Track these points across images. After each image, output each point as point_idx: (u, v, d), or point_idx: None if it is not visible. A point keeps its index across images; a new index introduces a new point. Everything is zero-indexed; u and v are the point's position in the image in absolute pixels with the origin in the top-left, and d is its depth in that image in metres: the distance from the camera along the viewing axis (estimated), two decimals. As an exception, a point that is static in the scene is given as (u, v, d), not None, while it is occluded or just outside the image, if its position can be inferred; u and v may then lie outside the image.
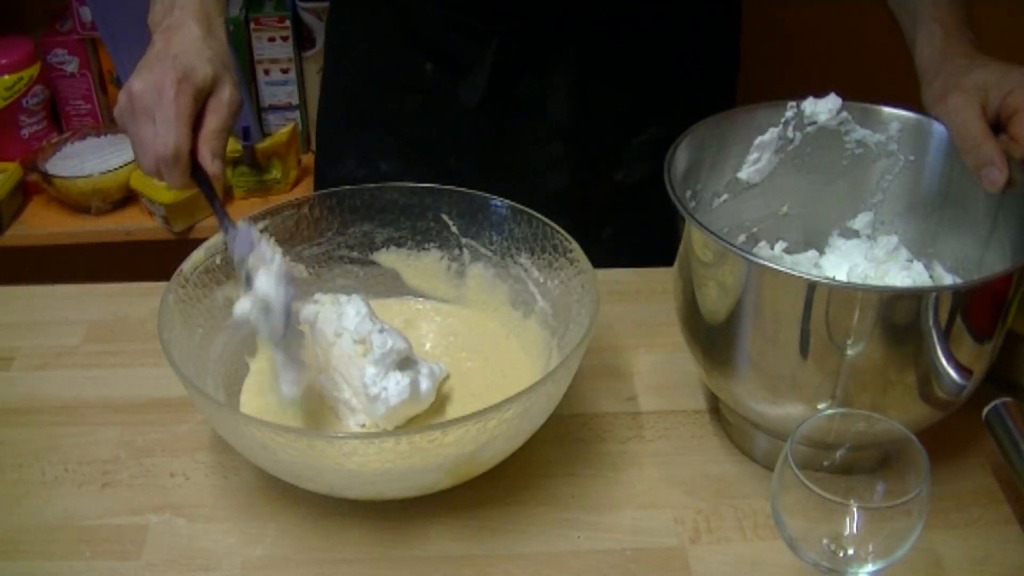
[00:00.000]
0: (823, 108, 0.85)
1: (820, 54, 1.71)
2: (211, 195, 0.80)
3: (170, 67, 0.77)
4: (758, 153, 0.86)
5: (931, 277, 0.85)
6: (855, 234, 0.89)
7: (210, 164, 0.78)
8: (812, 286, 0.69)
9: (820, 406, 0.73)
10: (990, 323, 0.73)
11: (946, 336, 0.70)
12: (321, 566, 0.75)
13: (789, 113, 0.85)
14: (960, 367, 0.72)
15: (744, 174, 0.86)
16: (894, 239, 0.86)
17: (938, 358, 0.71)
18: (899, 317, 0.69)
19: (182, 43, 0.79)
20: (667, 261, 0.82)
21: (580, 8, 0.98)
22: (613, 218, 1.10)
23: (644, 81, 1.04)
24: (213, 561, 0.75)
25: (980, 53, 0.83)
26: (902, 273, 0.85)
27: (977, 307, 0.71)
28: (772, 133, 0.85)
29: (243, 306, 0.78)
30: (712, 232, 0.72)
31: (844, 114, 0.85)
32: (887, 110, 0.85)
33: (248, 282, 0.79)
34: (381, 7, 1.06)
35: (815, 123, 0.85)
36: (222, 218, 0.81)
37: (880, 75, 1.21)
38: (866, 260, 0.86)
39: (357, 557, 0.76)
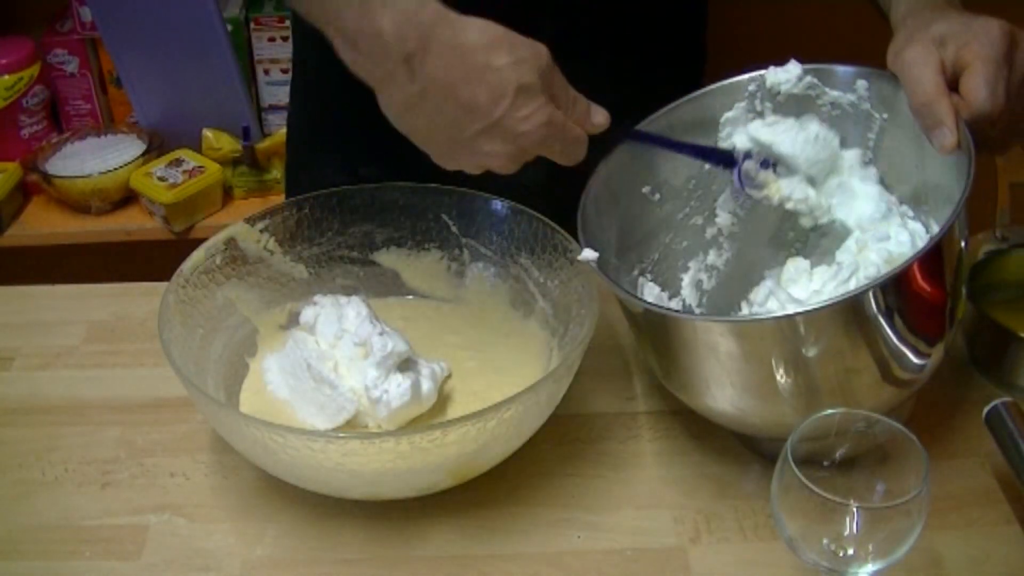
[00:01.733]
0: (784, 76, 0.83)
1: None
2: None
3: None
4: (730, 128, 0.85)
5: (927, 232, 0.82)
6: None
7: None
8: (736, 326, 0.71)
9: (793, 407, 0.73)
10: (930, 293, 0.71)
11: (891, 324, 0.70)
12: (321, 566, 0.75)
13: (752, 87, 0.84)
14: (915, 349, 0.72)
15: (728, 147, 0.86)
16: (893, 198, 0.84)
17: (889, 345, 0.71)
18: (833, 327, 0.69)
19: None
20: None
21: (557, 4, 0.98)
22: None
23: (622, 75, 1.03)
24: (213, 561, 0.75)
25: (956, 7, 0.78)
26: (900, 231, 0.81)
27: (908, 287, 0.70)
28: (738, 108, 0.85)
29: None
30: (622, 287, 0.74)
31: (810, 79, 0.83)
32: (849, 69, 0.82)
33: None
34: None
35: (779, 92, 0.84)
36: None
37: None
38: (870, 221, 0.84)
39: (357, 557, 0.76)
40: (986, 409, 0.77)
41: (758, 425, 0.77)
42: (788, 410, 0.73)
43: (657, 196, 0.86)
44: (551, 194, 1.01)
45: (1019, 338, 0.83)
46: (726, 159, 0.84)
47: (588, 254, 0.76)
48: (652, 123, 0.83)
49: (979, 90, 0.72)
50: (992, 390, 0.79)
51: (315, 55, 1.10)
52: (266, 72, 1.81)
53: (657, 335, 0.77)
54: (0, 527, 0.78)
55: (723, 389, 0.74)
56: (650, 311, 0.75)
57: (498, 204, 0.90)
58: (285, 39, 1.77)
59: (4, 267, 1.48)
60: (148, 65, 1.73)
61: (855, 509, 0.63)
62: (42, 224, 1.75)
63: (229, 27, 1.70)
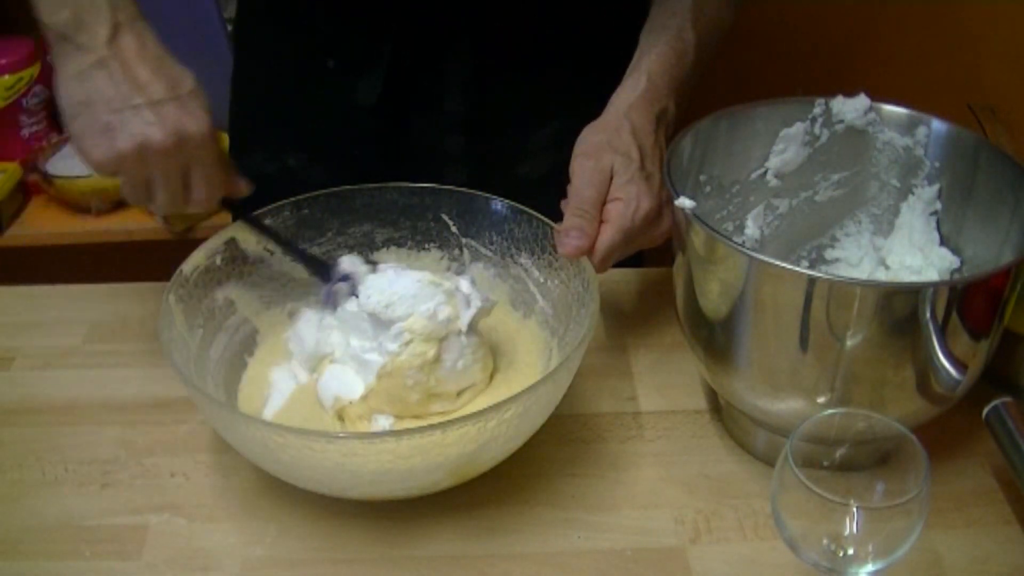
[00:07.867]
0: (850, 106, 0.85)
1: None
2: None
3: None
4: (784, 144, 0.87)
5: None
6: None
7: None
8: (812, 281, 0.69)
9: (820, 400, 0.73)
10: (987, 319, 0.73)
11: (943, 331, 0.70)
12: (321, 566, 0.75)
13: (817, 110, 0.86)
14: (956, 362, 0.72)
15: (772, 164, 0.87)
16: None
17: (935, 353, 0.71)
18: (896, 312, 0.69)
19: None
20: None
21: (473, 6, 0.98)
22: None
23: (543, 75, 1.03)
24: (213, 561, 0.75)
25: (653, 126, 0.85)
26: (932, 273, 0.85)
27: (974, 303, 0.71)
28: (798, 127, 0.86)
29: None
30: (714, 229, 0.72)
31: (872, 115, 0.85)
32: (911, 113, 0.85)
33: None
34: (287, 4, 1.06)
35: (842, 121, 0.86)
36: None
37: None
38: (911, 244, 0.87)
39: (357, 557, 0.76)
40: (986, 409, 0.77)
41: (775, 412, 0.77)
42: (809, 398, 0.74)
43: (708, 188, 0.87)
44: (551, 192, 1.01)
45: (1019, 338, 0.83)
46: (323, 272, 0.86)
47: (685, 202, 0.76)
48: (716, 117, 0.85)
49: (598, 256, 0.82)
50: (992, 390, 0.79)
51: (258, 49, 1.11)
52: (266, 72, 1.81)
53: (728, 285, 0.74)
54: (0, 527, 0.78)
55: (768, 352, 0.74)
56: (733, 253, 0.73)
57: (498, 204, 0.90)
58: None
59: (4, 267, 1.48)
60: (148, 65, 1.73)
61: (855, 509, 0.63)
62: (42, 224, 1.75)
63: (229, 27, 1.69)
